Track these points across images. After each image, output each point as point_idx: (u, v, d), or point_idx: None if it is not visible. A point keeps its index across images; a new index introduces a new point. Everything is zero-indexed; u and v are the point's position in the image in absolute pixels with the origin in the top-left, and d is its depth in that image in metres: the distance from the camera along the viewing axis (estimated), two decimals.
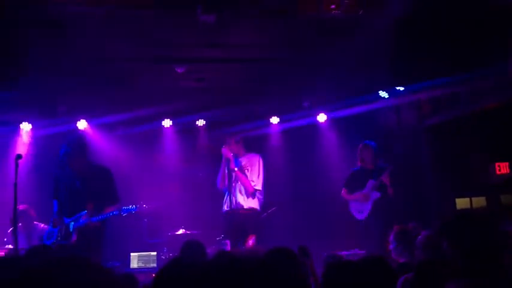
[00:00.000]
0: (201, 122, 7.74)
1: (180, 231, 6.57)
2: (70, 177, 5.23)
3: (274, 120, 7.95)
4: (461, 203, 6.44)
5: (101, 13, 4.83)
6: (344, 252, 5.94)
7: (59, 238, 5.13)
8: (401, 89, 6.90)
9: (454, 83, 5.88)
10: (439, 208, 6.67)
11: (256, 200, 5.92)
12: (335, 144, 7.95)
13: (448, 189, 6.68)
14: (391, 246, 4.44)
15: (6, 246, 5.76)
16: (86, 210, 5.21)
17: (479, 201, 6.44)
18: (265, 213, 7.03)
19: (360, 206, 6.20)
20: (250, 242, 5.68)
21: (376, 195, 6.10)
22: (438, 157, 6.84)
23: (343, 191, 6.37)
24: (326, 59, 6.36)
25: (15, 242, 4.64)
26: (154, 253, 6.25)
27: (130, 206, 5.39)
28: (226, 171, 5.74)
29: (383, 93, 7.15)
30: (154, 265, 6.13)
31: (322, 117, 7.91)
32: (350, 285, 2.23)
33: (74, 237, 5.12)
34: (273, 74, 6.79)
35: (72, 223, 5.20)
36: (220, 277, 1.51)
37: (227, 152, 5.69)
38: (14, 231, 4.74)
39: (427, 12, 5.17)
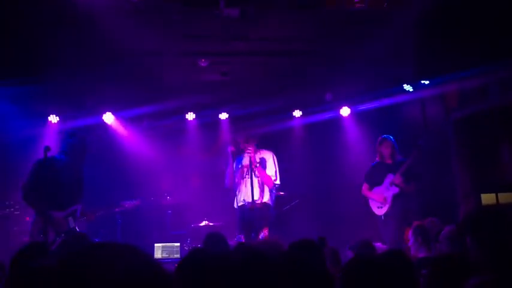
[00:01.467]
0: (224, 116, 7.79)
1: (203, 223, 6.65)
2: (65, 168, 5.09)
3: (297, 113, 7.93)
4: (487, 198, 6.32)
5: (129, 7, 4.91)
6: None
7: (62, 234, 4.91)
8: (427, 82, 6.80)
9: (482, 74, 5.75)
10: (465, 203, 6.57)
11: (270, 194, 5.98)
12: (358, 138, 7.89)
13: (474, 184, 6.56)
14: (409, 243, 4.44)
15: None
16: (78, 204, 5.17)
17: (507, 197, 6.30)
18: (288, 206, 7.07)
19: (379, 201, 6.17)
20: (264, 234, 5.73)
21: (395, 190, 6.05)
22: (464, 151, 6.71)
23: (364, 187, 6.34)
24: (350, 52, 6.30)
25: (44, 233, 4.73)
26: (178, 244, 6.35)
27: (133, 199, 5.72)
28: (239, 167, 5.78)
29: (407, 87, 7.06)
30: (178, 256, 6.23)
31: (345, 111, 7.86)
32: (370, 279, 2.23)
33: (78, 232, 5.07)
34: (297, 67, 6.77)
35: (71, 217, 5.07)
36: (241, 267, 1.53)
37: (250, 149, 5.72)
38: (41, 220, 4.83)
39: (453, 2, 5.07)
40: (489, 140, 6.46)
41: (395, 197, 6.04)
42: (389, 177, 6.10)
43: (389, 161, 6.20)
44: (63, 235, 4.86)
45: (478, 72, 5.73)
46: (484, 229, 2.23)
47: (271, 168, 5.91)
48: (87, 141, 5.37)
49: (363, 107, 7.59)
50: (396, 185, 6.04)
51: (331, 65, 6.72)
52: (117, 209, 5.75)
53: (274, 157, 6.00)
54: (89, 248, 1.05)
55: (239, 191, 5.81)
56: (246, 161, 5.77)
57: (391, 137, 6.27)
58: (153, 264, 1.05)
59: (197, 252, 1.63)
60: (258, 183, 5.77)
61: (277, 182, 5.94)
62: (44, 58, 4.82)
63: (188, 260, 1.60)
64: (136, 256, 1.04)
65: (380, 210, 6.16)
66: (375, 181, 6.22)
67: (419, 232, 4.35)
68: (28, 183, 4.88)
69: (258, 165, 5.76)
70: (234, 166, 5.85)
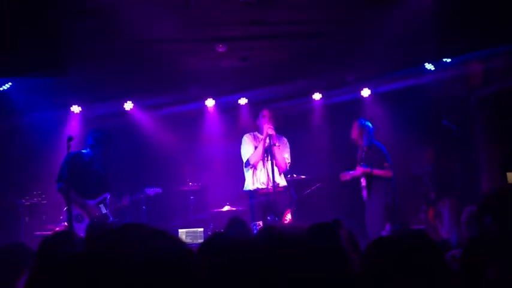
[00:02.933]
0: (243, 101, 7.79)
1: (225, 208, 6.71)
2: (95, 161, 5.75)
3: (317, 96, 7.87)
4: None
5: None
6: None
7: (95, 219, 5.40)
8: (449, 60, 6.64)
9: (507, 52, 5.58)
10: (489, 182, 6.46)
11: (284, 178, 5.99)
12: (380, 119, 7.79)
13: (499, 163, 6.43)
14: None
15: (62, 223, 6.08)
16: (109, 193, 5.79)
17: None
18: (308, 190, 7.06)
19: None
20: (288, 217, 5.73)
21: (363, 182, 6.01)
22: (489, 130, 6.57)
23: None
24: (370, 32, 6.20)
25: (69, 221, 4.94)
26: (201, 229, 6.43)
27: (155, 188, 6.29)
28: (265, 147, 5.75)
29: (429, 66, 6.91)
30: (202, 241, 6.30)
31: (366, 92, 7.76)
32: (394, 259, 2.22)
33: (111, 218, 5.61)
34: (316, 49, 6.70)
35: (102, 204, 5.64)
36: (268, 250, 1.54)
37: (270, 128, 5.69)
38: (69, 210, 5.05)
39: None
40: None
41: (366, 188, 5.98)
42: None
43: (361, 143, 6.12)
44: (95, 220, 5.19)
45: (503, 50, 5.57)
46: (503, 208, 2.18)
47: (286, 152, 5.91)
48: (110, 136, 5.95)
49: (383, 88, 7.48)
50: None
51: (351, 46, 6.62)
52: (141, 196, 6.18)
53: (287, 143, 6.00)
54: (118, 229, 1.06)
55: (255, 174, 5.81)
56: (274, 139, 5.73)
57: (362, 120, 6.22)
58: (182, 245, 1.05)
59: (217, 236, 1.65)
60: (276, 165, 5.75)
61: (288, 167, 5.98)
62: (65, 48, 4.87)
63: (208, 244, 1.62)
64: (164, 237, 1.04)
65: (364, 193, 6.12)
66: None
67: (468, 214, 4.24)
68: (61, 175, 5.47)
69: (277, 144, 5.74)
70: (249, 146, 5.85)
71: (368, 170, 5.93)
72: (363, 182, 6.04)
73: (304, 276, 1.59)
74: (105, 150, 5.81)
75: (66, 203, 5.28)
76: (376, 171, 5.92)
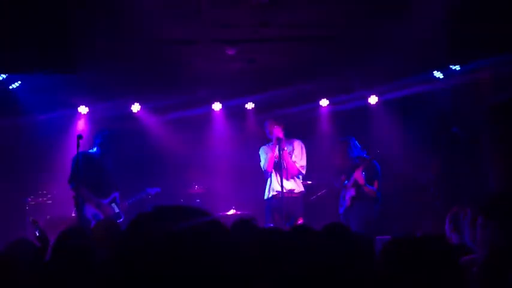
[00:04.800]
0: (250, 105, 7.78)
1: (231, 212, 6.68)
2: (104, 161, 5.78)
3: (324, 102, 7.86)
4: None
5: None
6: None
7: (110, 218, 5.41)
8: (457, 68, 6.63)
9: None
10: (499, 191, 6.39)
11: (300, 183, 5.97)
12: (387, 127, 7.77)
13: (509, 172, 6.36)
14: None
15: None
16: (117, 192, 5.82)
17: None
18: (314, 196, 7.03)
19: (341, 199, 6.07)
20: (300, 222, 5.71)
21: (351, 193, 5.94)
22: (499, 140, 6.51)
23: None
24: (378, 38, 6.20)
25: (79, 217, 4.97)
26: None
27: (155, 188, 6.34)
28: (277, 153, 5.75)
29: (438, 74, 6.90)
30: None
31: (373, 99, 7.75)
32: (409, 261, 2.19)
33: (123, 217, 5.57)
34: (324, 54, 6.70)
35: (113, 204, 5.69)
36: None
37: (279, 132, 5.70)
38: (80, 208, 5.10)
39: None
40: None
41: (353, 199, 5.92)
42: (353, 176, 5.97)
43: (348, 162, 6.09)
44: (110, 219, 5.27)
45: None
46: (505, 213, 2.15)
47: (299, 156, 5.89)
48: (118, 135, 6.03)
49: (391, 95, 7.46)
50: (357, 185, 5.89)
51: (359, 52, 6.62)
52: (143, 195, 6.28)
53: (303, 146, 5.98)
54: (155, 209, 1.08)
55: (271, 181, 5.82)
56: (283, 144, 5.74)
57: (347, 138, 6.26)
58: (217, 222, 1.07)
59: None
60: (288, 171, 5.75)
61: (303, 171, 5.95)
62: (75, 45, 4.88)
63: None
64: (200, 214, 1.06)
65: (340, 209, 6.08)
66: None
67: (453, 218, 4.29)
68: (75, 175, 5.45)
69: (286, 149, 5.73)
70: (265, 155, 5.87)
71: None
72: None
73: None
74: (114, 149, 5.86)
75: (76, 203, 5.28)
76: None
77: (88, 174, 5.43)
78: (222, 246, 1.01)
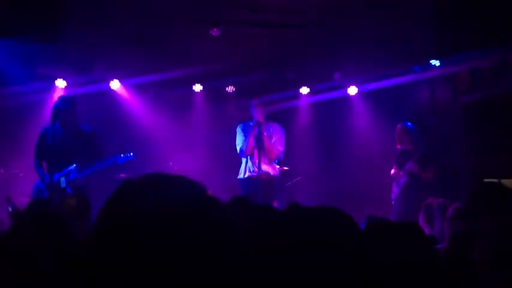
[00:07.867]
0: (230, 89, 7.76)
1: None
2: (60, 133, 5.35)
3: (304, 90, 7.89)
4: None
5: None
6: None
7: (52, 194, 5.15)
8: (437, 63, 6.72)
9: (495, 56, 5.66)
10: (468, 187, 6.53)
11: (276, 167, 5.97)
12: (365, 118, 7.86)
13: (485, 170, 6.45)
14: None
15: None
16: (75, 165, 5.35)
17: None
18: (289, 182, 7.06)
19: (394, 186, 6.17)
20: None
21: (404, 179, 6.02)
22: (476, 136, 6.62)
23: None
24: (360, 30, 6.24)
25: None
26: None
27: (126, 154, 5.47)
28: (247, 136, 5.74)
29: (419, 66, 6.93)
30: None
31: (353, 90, 7.81)
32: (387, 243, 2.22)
33: (69, 192, 5.30)
34: (307, 42, 6.71)
35: (63, 178, 5.37)
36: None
37: (260, 115, 5.68)
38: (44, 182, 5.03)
39: None
40: (501, 125, 6.35)
41: (405, 186, 6.00)
42: (408, 165, 6.05)
43: (410, 148, 6.14)
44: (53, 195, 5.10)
45: (491, 53, 5.64)
46: (494, 203, 2.20)
47: (278, 141, 5.89)
48: (73, 104, 5.42)
49: (371, 87, 7.53)
50: (412, 173, 5.98)
51: (341, 42, 6.65)
52: (109, 163, 5.49)
53: (282, 130, 5.98)
54: (144, 177, 0.99)
55: (247, 161, 5.80)
56: (263, 128, 5.70)
57: (410, 124, 6.22)
58: (214, 197, 1.01)
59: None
60: (265, 154, 5.74)
61: (281, 155, 5.94)
62: (56, 15, 4.75)
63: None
64: (189, 185, 0.99)
65: (392, 194, 6.17)
66: (399, 167, 6.18)
67: (425, 210, 4.38)
68: (35, 151, 5.42)
69: (265, 133, 5.73)
70: (242, 136, 5.84)
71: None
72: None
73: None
74: (69, 120, 5.36)
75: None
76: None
77: (42, 150, 5.35)
78: (219, 224, 0.94)
